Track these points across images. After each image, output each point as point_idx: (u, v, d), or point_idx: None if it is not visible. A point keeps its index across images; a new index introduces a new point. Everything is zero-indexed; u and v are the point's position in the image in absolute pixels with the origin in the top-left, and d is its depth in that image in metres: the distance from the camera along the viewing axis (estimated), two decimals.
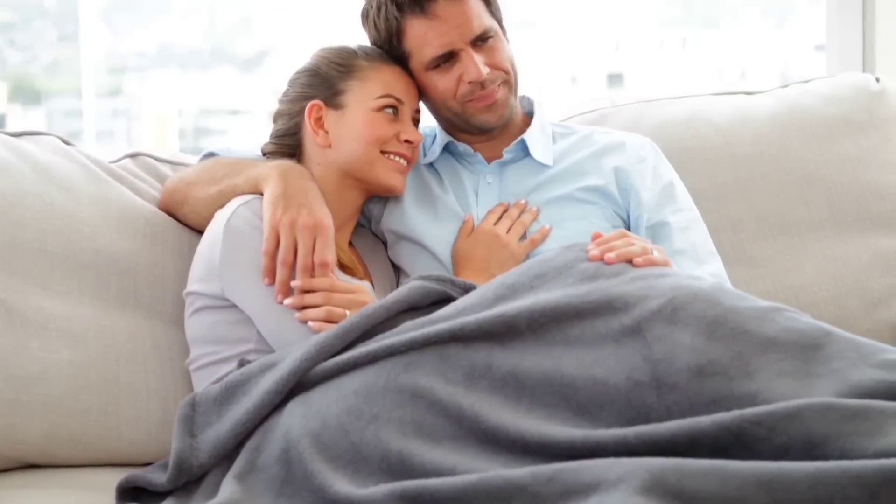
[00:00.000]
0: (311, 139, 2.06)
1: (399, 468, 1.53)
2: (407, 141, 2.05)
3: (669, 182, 2.17)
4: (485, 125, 2.13)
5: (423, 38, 2.07)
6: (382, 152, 2.04)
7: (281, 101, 2.11)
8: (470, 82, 2.08)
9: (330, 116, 2.05)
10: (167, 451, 1.75)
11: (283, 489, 1.59)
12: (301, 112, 2.06)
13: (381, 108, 2.04)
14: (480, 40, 2.08)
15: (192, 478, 1.69)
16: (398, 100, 2.06)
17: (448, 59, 2.08)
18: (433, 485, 1.46)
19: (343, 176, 2.05)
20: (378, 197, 2.16)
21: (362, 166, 2.04)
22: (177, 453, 1.69)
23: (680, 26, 4.87)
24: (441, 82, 2.09)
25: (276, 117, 2.12)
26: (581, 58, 4.73)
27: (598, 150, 2.19)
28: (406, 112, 2.07)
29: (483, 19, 2.08)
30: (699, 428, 1.43)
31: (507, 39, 2.15)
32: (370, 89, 2.05)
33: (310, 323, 1.85)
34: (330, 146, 2.04)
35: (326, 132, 2.05)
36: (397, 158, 2.06)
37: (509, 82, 2.12)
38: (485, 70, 2.07)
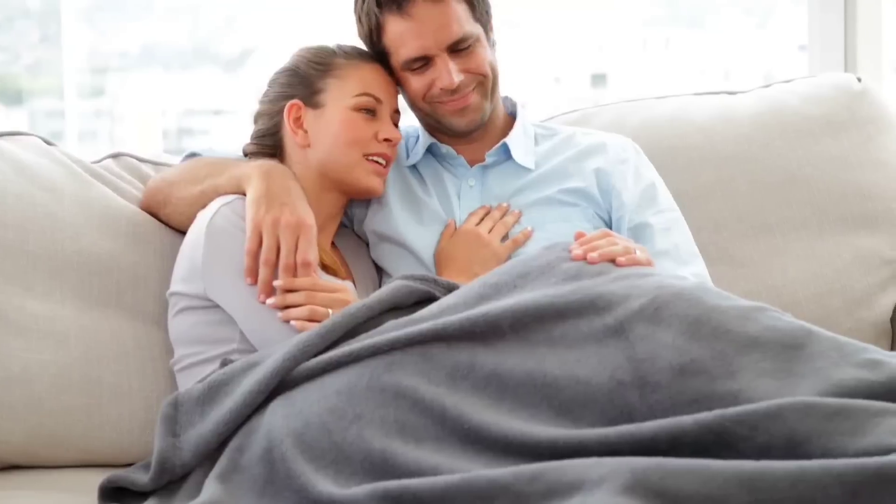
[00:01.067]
0: (290, 139, 2.05)
1: (382, 468, 1.52)
2: (386, 139, 2.05)
3: (651, 183, 2.17)
4: (454, 128, 2.12)
5: (399, 38, 2.05)
6: (364, 156, 2.03)
7: (261, 102, 2.11)
8: (441, 88, 2.07)
9: (309, 116, 2.04)
10: (150, 452, 1.75)
11: (265, 489, 1.58)
12: (281, 112, 2.05)
13: (359, 107, 2.03)
14: (458, 47, 2.05)
15: (174, 478, 1.68)
16: (376, 98, 2.05)
17: (423, 61, 2.06)
18: (416, 485, 1.45)
19: (322, 177, 2.04)
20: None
21: (341, 168, 2.03)
22: (159, 453, 1.68)
23: (663, 26, 4.88)
24: (414, 83, 2.08)
25: (257, 118, 2.11)
26: (564, 58, 4.74)
27: (580, 152, 2.18)
28: (384, 111, 2.06)
29: (463, 24, 2.05)
30: (681, 427, 1.43)
31: (491, 43, 2.12)
32: (348, 87, 2.04)
33: (292, 322, 1.84)
34: (309, 146, 2.04)
35: (305, 132, 2.04)
36: (377, 159, 2.05)
37: (484, 85, 2.09)
38: (458, 78, 2.05)
